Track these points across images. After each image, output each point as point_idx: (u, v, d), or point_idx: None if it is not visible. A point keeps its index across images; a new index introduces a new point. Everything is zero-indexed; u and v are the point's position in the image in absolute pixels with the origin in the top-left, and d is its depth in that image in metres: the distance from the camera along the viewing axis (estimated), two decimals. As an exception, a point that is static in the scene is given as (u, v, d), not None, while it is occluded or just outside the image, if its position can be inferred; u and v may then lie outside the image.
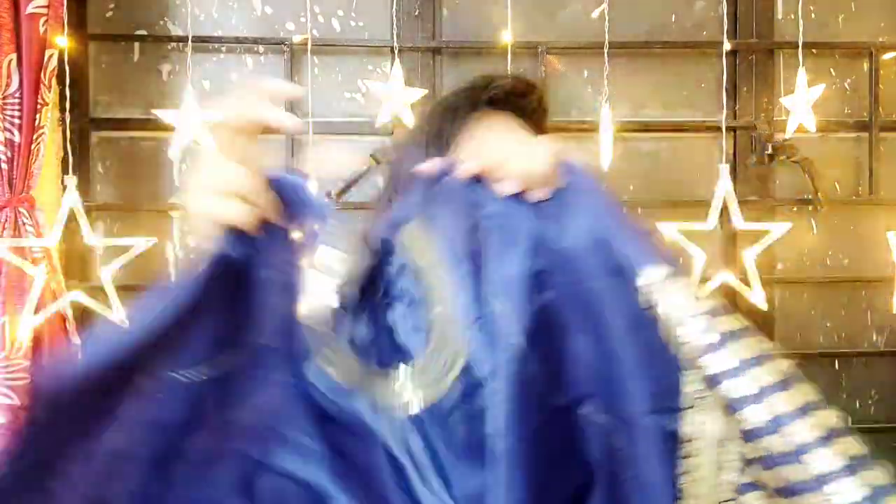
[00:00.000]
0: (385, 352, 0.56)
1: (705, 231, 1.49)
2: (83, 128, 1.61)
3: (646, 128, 1.72)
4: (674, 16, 1.74)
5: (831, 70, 1.74)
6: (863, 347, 1.75)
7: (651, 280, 0.52)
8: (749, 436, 0.50)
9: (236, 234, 0.51)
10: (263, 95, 0.51)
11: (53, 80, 1.44)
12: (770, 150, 1.69)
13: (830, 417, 0.50)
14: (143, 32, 1.65)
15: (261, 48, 1.67)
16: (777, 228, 1.48)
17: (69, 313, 1.46)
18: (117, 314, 1.45)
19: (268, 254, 0.53)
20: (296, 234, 0.54)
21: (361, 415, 0.53)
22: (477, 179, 0.58)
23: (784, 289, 1.74)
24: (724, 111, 1.60)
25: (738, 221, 1.47)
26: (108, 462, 0.49)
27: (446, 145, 0.71)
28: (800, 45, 1.54)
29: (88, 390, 0.48)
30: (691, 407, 0.51)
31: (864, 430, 1.88)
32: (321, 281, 0.57)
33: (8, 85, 1.39)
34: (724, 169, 1.47)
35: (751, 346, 0.51)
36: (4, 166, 1.40)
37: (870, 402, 1.76)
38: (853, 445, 0.49)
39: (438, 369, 0.53)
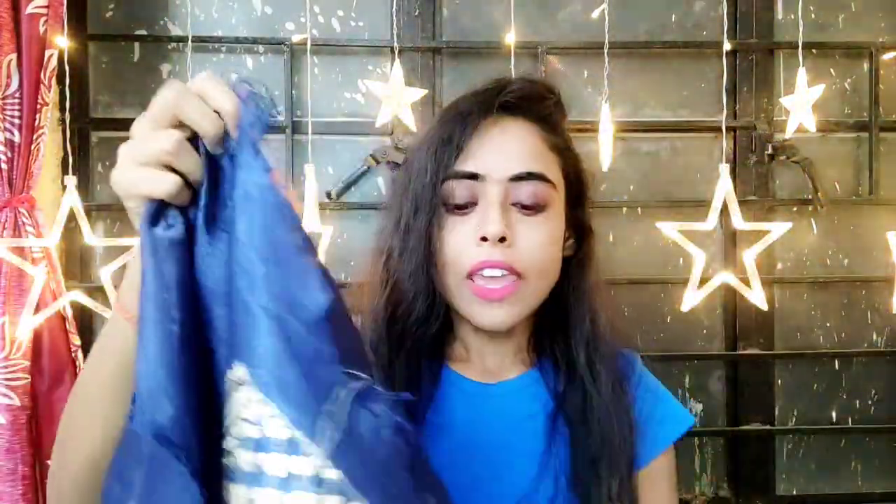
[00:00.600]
0: None
1: (705, 231, 1.49)
2: (83, 128, 1.62)
3: (646, 128, 1.72)
4: (674, 16, 1.74)
5: (831, 70, 1.74)
6: (863, 347, 1.75)
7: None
8: None
9: (163, 208, 0.50)
10: (193, 98, 0.49)
11: (53, 80, 1.44)
12: (770, 150, 1.69)
13: None
14: (143, 32, 1.65)
15: (261, 48, 1.67)
16: (777, 228, 1.48)
17: (69, 313, 1.46)
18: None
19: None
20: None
21: None
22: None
23: (784, 289, 1.74)
24: (724, 111, 1.60)
25: (738, 221, 1.47)
26: None
27: (456, 151, 0.70)
28: (800, 45, 1.54)
29: None
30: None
31: (864, 430, 1.87)
32: None
33: (8, 85, 1.39)
34: (724, 169, 1.47)
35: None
36: (4, 166, 1.40)
37: (870, 402, 1.76)
38: None
39: None
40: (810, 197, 1.67)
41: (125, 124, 1.79)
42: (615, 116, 1.51)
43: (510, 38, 1.54)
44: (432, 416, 0.73)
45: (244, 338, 0.47)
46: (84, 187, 1.59)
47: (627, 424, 0.72)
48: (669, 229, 1.47)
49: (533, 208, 0.70)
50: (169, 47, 1.66)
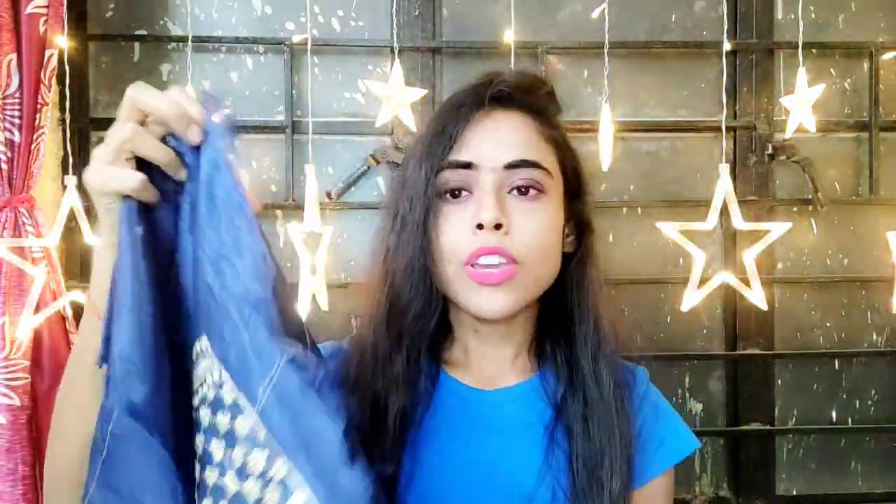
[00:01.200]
0: None
1: (705, 231, 1.49)
2: (83, 128, 1.61)
3: (646, 128, 1.72)
4: (674, 16, 1.74)
5: (831, 70, 1.74)
6: (863, 347, 1.75)
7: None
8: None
9: (132, 204, 0.56)
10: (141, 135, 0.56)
11: (53, 80, 1.44)
12: (770, 150, 1.69)
13: None
14: (143, 32, 1.65)
15: (261, 48, 1.67)
16: (777, 228, 1.48)
17: (69, 313, 1.46)
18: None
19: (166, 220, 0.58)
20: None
21: None
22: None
23: (784, 289, 1.74)
24: (724, 111, 1.60)
25: (738, 221, 1.47)
26: None
27: (450, 142, 0.70)
28: (800, 45, 1.54)
29: None
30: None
31: (864, 430, 1.88)
32: None
33: (8, 85, 1.39)
34: (724, 169, 1.47)
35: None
36: (4, 166, 1.40)
37: (870, 402, 1.76)
38: None
39: None
40: (810, 197, 1.67)
41: (125, 124, 1.78)
42: (615, 116, 1.51)
43: (507, 38, 1.54)
44: (429, 420, 0.73)
45: (206, 315, 0.56)
46: (84, 187, 1.59)
47: (626, 439, 0.71)
48: (669, 229, 1.47)
49: (528, 192, 0.69)
50: (169, 47, 1.66)
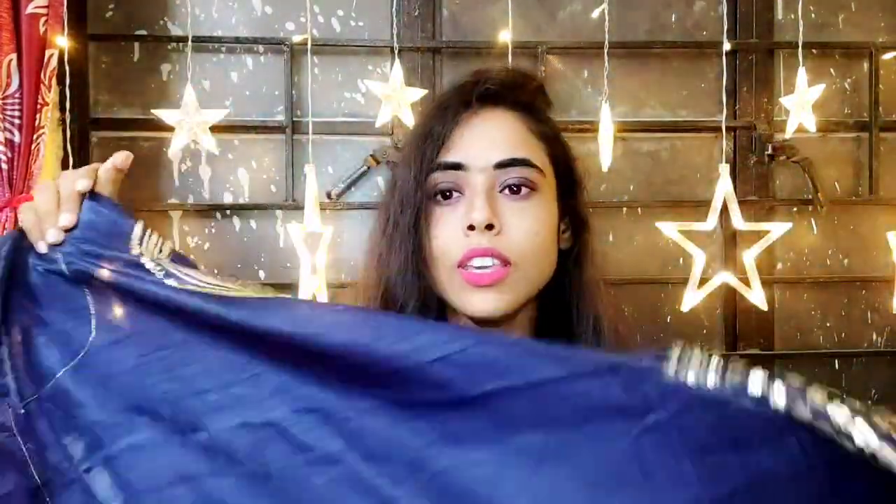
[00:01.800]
0: None
1: (705, 231, 1.49)
2: (83, 128, 1.61)
3: (646, 128, 1.72)
4: (674, 16, 1.74)
5: (831, 70, 1.74)
6: (863, 347, 1.75)
7: None
8: None
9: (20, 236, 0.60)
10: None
11: (53, 80, 1.44)
12: (770, 150, 1.69)
13: None
14: (143, 32, 1.65)
15: (261, 48, 1.67)
16: (777, 228, 1.48)
17: (69, 313, 1.46)
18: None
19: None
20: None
21: None
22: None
23: (784, 289, 1.74)
24: (724, 111, 1.60)
25: (738, 221, 1.47)
26: None
27: (439, 144, 0.69)
28: (800, 45, 1.54)
29: None
30: None
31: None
32: None
33: (8, 85, 1.39)
34: (724, 169, 1.47)
35: None
36: (4, 166, 1.40)
37: (870, 402, 1.75)
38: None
39: None
40: (810, 197, 1.67)
41: (125, 124, 1.81)
42: (615, 116, 1.51)
43: (508, 38, 1.54)
44: None
45: None
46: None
47: None
48: (669, 229, 1.47)
49: (520, 191, 0.69)
50: (169, 47, 1.66)
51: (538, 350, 0.54)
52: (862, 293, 1.75)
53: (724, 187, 1.46)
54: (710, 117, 1.70)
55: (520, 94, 0.74)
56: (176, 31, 1.65)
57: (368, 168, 1.65)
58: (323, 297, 1.46)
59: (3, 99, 1.39)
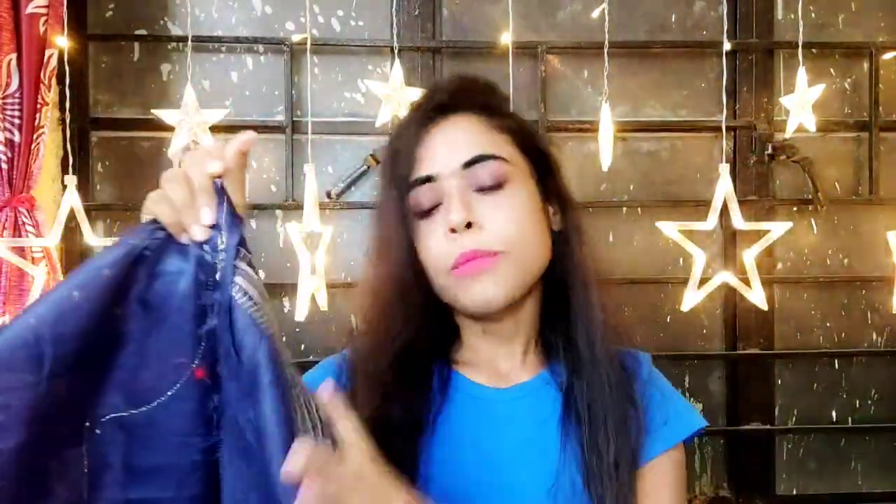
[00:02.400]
0: None
1: (705, 231, 1.49)
2: (83, 128, 1.61)
3: (646, 128, 1.72)
4: (674, 16, 1.74)
5: (831, 70, 1.74)
6: (863, 347, 1.75)
7: None
8: None
9: (157, 229, 0.55)
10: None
11: (53, 80, 1.44)
12: (770, 150, 1.69)
13: None
14: (143, 32, 1.65)
15: (261, 48, 1.67)
16: (777, 228, 1.48)
17: (69, 313, 1.46)
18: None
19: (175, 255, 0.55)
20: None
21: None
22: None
23: (784, 289, 1.74)
24: (724, 111, 1.60)
25: (738, 221, 1.47)
26: None
27: (410, 165, 0.71)
28: (800, 45, 1.54)
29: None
30: None
31: (864, 430, 1.87)
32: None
33: (8, 85, 1.39)
34: (724, 169, 1.47)
35: None
36: (4, 166, 1.40)
37: (870, 402, 1.76)
38: None
39: None
40: (810, 197, 1.67)
41: (125, 124, 1.80)
42: (615, 116, 1.51)
43: (506, 38, 1.54)
44: (443, 421, 0.73)
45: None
46: (84, 187, 1.59)
47: (635, 421, 0.72)
48: (669, 229, 1.47)
49: (492, 187, 0.70)
50: (169, 47, 1.66)
51: None
52: (862, 293, 1.75)
53: (724, 187, 1.46)
54: (710, 117, 1.70)
55: (472, 96, 0.75)
56: (176, 30, 1.65)
57: (368, 168, 1.65)
58: (323, 297, 1.46)
59: (3, 99, 1.39)
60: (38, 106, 1.41)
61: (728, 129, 1.68)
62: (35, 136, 1.41)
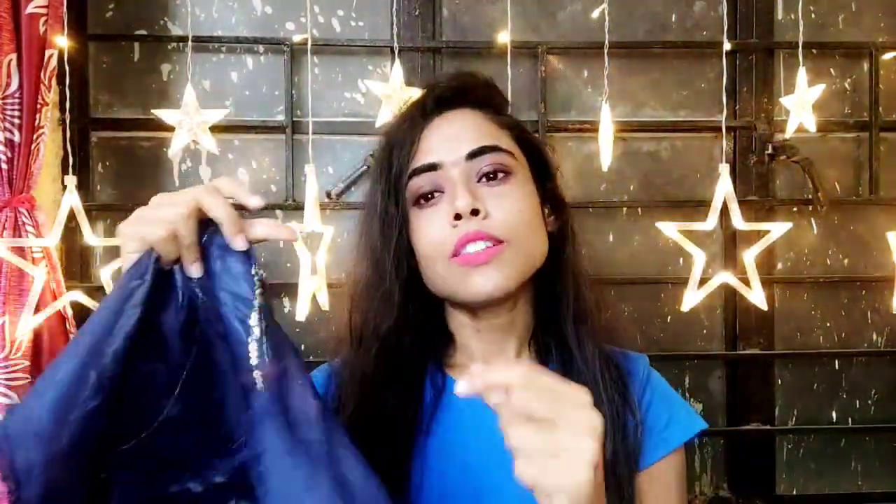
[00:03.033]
0: None
1: (705, 231, 1.49)
2: (83, 128, 1.61)
3: (646, 128, 1.72)
4: (674, 16, 1.74)
5: (831, 70, 1.74)
6: (863, 347, 1.75)
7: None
8: None
9: (151, 254, 0.54)
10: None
11: (53, 80, 1.44)
12: (770, 150, 1.69)
13: None
14: (143, 32, 1.65)
15: (261, 48, 1.67)
16: (777, 228, 1.48)
17: (69, 313, 1.46)
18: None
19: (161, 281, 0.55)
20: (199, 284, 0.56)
21: None
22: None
23: (784, 289, 1.74)
24: (724, 111, 1.60)
25: (738, 221, 1.47)
26: None
27: (410, 154, 0.71)
28: (800, 45, 1.54)
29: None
30: None
31: (864, 430, 1.87)
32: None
33: (8, 85, 1.39)
34: (724, 169, 1.47)
35: None
36: (4, 166, 1.40)
37: (870, 402, 1.76)
38: None
39: None
40: (810, 197, 1.67)
41: (125, 124, 1.80)
42: (615, 116, 1.51)
43: (505, 38, 1.54)
44: (437, 427, 0.72)
45: None
46: (84, 187, 1.59)
47: (632, 421, 0.72)
48: (669, 229, 1.47)
49: (496, 176, 0.71)
50: (169, 47, 1.66)
51: None
52: (862, 293, 1.75)
53: (724, 187, 1.46)
54: (710, 117, 1.70)
55: (473, 92, 0.76)
56: (176, 31, 1.65)
57: (368, 168, 1.65)
58: (323, 297, 1.46)
59: (3, 99, 1.39)
60: (38, 106, 1.41)
61: (728, 129, 1.68)
62: (35, 137, 1.41)
